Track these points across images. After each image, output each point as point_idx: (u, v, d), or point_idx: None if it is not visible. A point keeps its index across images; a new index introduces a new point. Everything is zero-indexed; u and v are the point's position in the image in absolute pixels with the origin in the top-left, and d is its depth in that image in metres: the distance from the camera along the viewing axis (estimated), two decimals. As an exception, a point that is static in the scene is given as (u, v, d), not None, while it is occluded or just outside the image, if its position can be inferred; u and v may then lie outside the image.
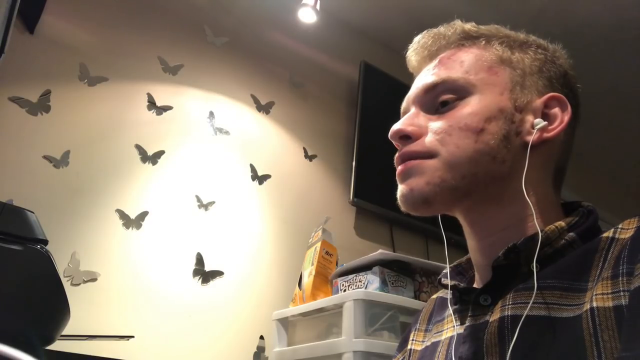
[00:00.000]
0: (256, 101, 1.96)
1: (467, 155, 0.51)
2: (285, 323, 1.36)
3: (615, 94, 2.70)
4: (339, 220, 1.97)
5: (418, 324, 0.66)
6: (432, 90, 0.56)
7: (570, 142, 0.57)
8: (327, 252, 1.37)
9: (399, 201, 0.55)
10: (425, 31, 0.61)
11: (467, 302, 0.52)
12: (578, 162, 3.08)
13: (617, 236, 0.45)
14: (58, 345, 0.96)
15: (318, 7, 1.96)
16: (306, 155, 2.02)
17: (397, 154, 0.56)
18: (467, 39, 0.58)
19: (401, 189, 0.54)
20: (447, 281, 0.57)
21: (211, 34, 1.93)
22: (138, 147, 1.62)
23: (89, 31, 1.66)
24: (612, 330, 0.38)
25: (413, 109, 0.57)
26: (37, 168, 1.43)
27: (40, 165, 1.43)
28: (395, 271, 1.20)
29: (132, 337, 1.33)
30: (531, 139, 0.51)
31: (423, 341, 0.62)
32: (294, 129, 2.03)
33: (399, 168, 0.55)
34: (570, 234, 0.49)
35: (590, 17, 2.21)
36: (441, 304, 0.62)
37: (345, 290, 1.24)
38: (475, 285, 0.57)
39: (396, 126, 0.56)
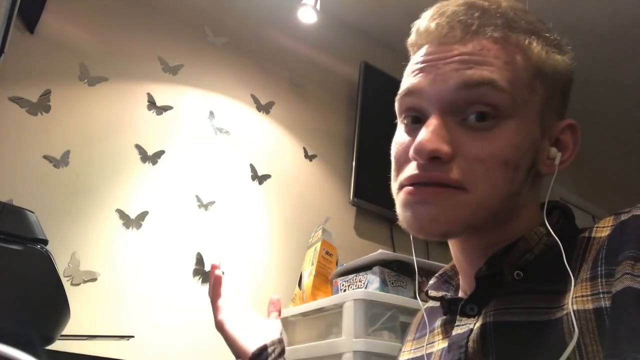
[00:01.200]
0: (256, 101, 1.96)
1: (500, 196, 0.45)
2: (285, 323, 1.36)
3: (616, 94, 2.70)
4: (339, 220, 1.97)
5: (408, 336, 0.65)
6: (470, 89, 0.45)
7: None
8: (327, 252, 1.37)
9: (406, 223, 0.47)
10: None
11: (455, 312, 0.51)
12: (578, 162, 3.08)
13: (593, 235, 0.45)
14: (58, 345, 0.96)
15: (318, 7, 1.96)
16: (306, 155, 2.02)
17: (414, 174, 0.46)
18: (507, 29, 0.47)
19: (420, 215, 0.46)
20: (434, 293, 0.55)
21: (211, 34, 1.93)
22: (138, 147, 1.62)
23: (89, 31, 1.66)
24: (593, 333, 0.38)
25: (437, 116, 0.46)
26: (37, 168, 1.43)
27: (40, 165, 1.43)
28: (395, 271, 1.20)
29: (132, 337, 1.34)
30: (546, 170, 0.49)
31: (411, 350, 0.61)
32: (294, 129, 2.03)
33: (424, 190, 0.46)
34: (550, 237, 0.47)
35: (590, 17, 2.20)
36: (431, 313, 0.61)
37: (345, 290, 1.24)
38: (461, 292, 0.56)
39: (428, 143, 0.44)
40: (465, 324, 0.49)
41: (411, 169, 0.47)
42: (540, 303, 0.44)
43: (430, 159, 0.45)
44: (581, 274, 0.43)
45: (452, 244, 0.55)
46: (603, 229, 0.45)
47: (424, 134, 0.45)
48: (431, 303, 0.65)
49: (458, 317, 0.50)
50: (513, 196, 0.47)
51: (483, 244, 0.50)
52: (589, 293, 0.40)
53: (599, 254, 0.42)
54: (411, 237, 0.55)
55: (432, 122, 0.46)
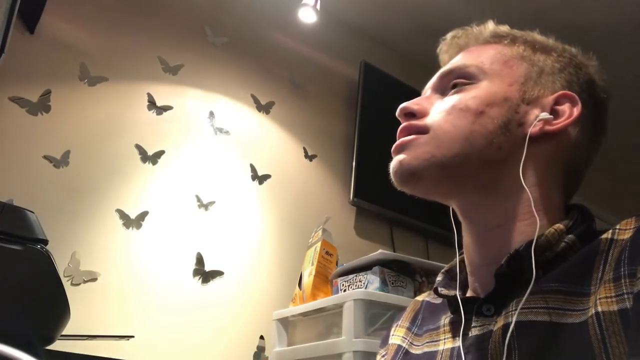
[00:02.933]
0: (256, 101, 1.96)
1: (461, 133, 0.51)
2: (285, 323, 1.36)
3: (616, 93, 2.69)
4: (339, 220, 1.97)
5: (400, 321, 0.65)
6: (447, 75, 0.57)
7: (585, 147, 0.55)
8: (327, 252, 1.37)
9: (391, 177, 0.55)
10: (457, 28, 0.63)
11: (468, 312, 0.50)
12: (578, 162, 3.08)
13: (615, 237, 0.45)
14: (58, 345, 0.96)
15: (318, 7, 1.96)
16: (306, 155, 2.03)
17: (399, 129, 0.57)
18: (494, 37, 0.59)
19: (393, 164, 0.55)
20: (445, 291, 0.55)
21: (211, 34, 1.93)
22: (138, 147, 1.62)
23: (89, 31, 1.66)
24: (619, 335, 0.38)
25: (428, 93, 0.59)
26: (37, 168, 1.43)
27: (40, 165, 1.43)
28: (395, 271, 1.20)
29: (132, 337, 1.33)
30: (532, 129, 0.51)
31: (407, 340, 0.60)
32: (294, 129, 2.03)
33: (397, 144, 0.55)
34: (570, 236, 0.48)
35: (591, 17, 2.21)
36: (431, 309, 0.61)
37: (345, 290, 1.24)
38: (470, 290, 0.55)
39: (403, 104, 0.57)
40: (483, 325, 0.48)
41: None
42: (563, 304, 0.43)
43: (405, 114, 0.57)
44: (604, 276, 0.42)
45: (463, 230, 0.56)
46: (625, 232, 0.44)
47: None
48: (427, 297, 0.65)
49: (474, 317, 0.49)
50: (483, 143, 0.51)
51: (483, 219, 0.53)
52: (613, 294, 0.40)
53: (622, 255, 0.42)
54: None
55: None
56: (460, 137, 0.51)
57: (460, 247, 0.58)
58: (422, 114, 0.55)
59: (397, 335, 0.62)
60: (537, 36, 0.59)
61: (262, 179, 1.86)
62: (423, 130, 0.54)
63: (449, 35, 0.63)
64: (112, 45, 1.69)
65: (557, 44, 0.59)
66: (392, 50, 2.36)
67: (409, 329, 0.62)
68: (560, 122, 0.52)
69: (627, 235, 0.44)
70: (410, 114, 0.56)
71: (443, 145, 0.51)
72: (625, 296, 0.39)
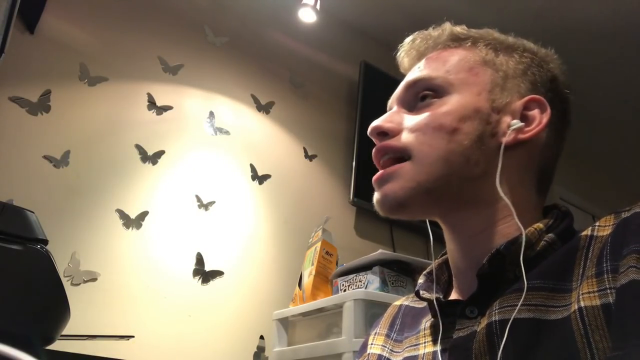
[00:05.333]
0: (256, 101, 1.96)
1: (439, 155, 0.51)
2: (285, 323, 1.36)
3: (616, 93, 2.70)
4: (339, 220, 1.97)
5: (378, 328, 0.64)
6: (412, 87, 0.57)
7: (555, 145, 0.56)
8: (327, 252, 1.37)
9: (375, 207, 0.55)
10: (416, 32, 0.62)
11: (451, 314, 0.51)
12: (578, 162, 3.08)
13: (595, 234, 0.45)
14: (58, 345, 0.96)
15: (318, 7, 1.96)
16: (306, 155, 2.02)
17: (374, 150, 0.56)
18: (454, 41, 0.58)
19: (376, 195, 0.55)
20: (427, 294, 0.54)
21: (211, 34, 1.93)
22: (138, 147, 1.62)
23: (89, 31, 1.66)
24: (603, 330, 0.38)
25: (395, 107, 0.58)
26: (37, 168, 1.43)
27: (40, 165, 1.43)
28: (395, 271, 1.20)
29: (132, 337, 1.34)
30: (505, 139, 0.51)
31: (386, 347, 0.60)
32: (294, 129, 2.03)
33: (376, 176, 0.55)
34: (550, 234, 0.49)
35: (590, 17, 2.21)
36: (410, 314, 0.60)
37: (345, 290, 1.24)
38: (454, 293, 0.55)
39: (374, 123, 0.57)
40: (467, 327, 0.48)
41: None
42: (546, 300, 0.44)
43: (378, 134, 0.57)
44: (586, 271, 0.43)
45: (445, 235, 0.56)
46: (605, 228, 0.45)
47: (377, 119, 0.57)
48: (405, 301, 0.64)
49: (458, 320, 0.49)
50: (461, 161, 0.51)
51: (467, 227, 0.53)
52: (595, 289, 0.41)
53: (603, 250, 0.42)
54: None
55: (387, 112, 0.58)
56: (439, 158, 0.51)
57: (441, 247, 0.59)
58: (395, 133, 0.55)
59: (377, 345, 0.62)
60: (496, 34, 0.59)
61: (262, 179, 1.86)
62: (401, 151, 0.53)
63: (406, 41, 0.62)
64: (112, 45, 1.69)
65: (517, 41, 0.58)
66: (392, 50, 2.35)
67: (387, 335, 0.62)
68: (532, 130, 0.52)
69: (606, 231, 0.44)
70: (383, 134, 0.56)
71: (424, 170, 0.51)
72: (608, 291, 0.40)
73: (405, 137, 0.54)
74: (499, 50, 0.57)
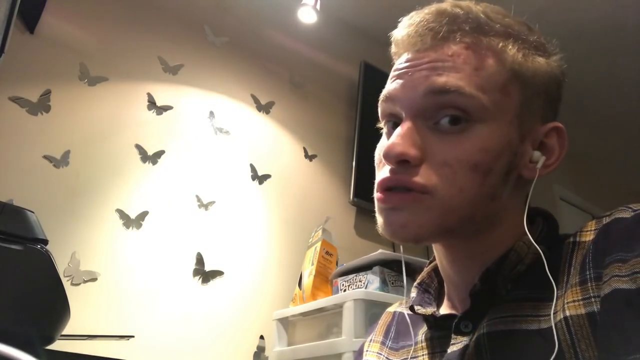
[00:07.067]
0: (256, 101, 1.96)
1: (469, 199, 0.45)
2: (285, 323, 1.36)
3: (616, 93, 2.70)
4: (339, 220, 1.97)
5: (373, 335, 0.64)
6: (437, 96, 0.46)
7: None
8: (327, 252, 1.37)
9: (381, 228, 0.48)
10: (426, 7, 0.50)
11: (447, 328, 0.50)
12: (578, 162, 3.08)
13: (578, 239, 0.45)
14: (58, 345, 0.96)
15: (318, 7, 1.96)
16: (306, 155, 2.02)
17: (384, 177, 0.47)
18: (479, 33, 0.47)
19: (391, 221, 0.47)
20: (422, 310, 0.53)
21: (211, 34, 1.93)
22: (138, 147, 1.62)
23: (89, 31, 1.66)
24: (588, 339, 0.38)
25: (408, 121, 0.47)
26: (37, 168, 1.43)
27: (40, 165, 1.43)
28: (395, 271, 1.20)
29: (132, 337, 1.34)
30: (528, 174, 0.47)
31: (382, 355, 0.59)
32: (294, 129, 2.03)
33: (392, 196, 0.46)
34: (540, 246, 0.47)
35: (591, 17, 2.21)
36: (404, 321, 0.59)
37: (345, 290, 1.24)
38: (446, 302, 0.55)
39: (396, 147, 0.45)
40: (461, 341, 0.48)
41: (384, 172, 0.48)
42: (532, 311, 0.44)
43: (399, 162, 0.46)
44: (570, 279, 0.43)
45: (437, 252, 0.54)
46: (587, 233, 0.45)
47: (394, 137, 0.46)
48: (398, 308, 0.64)
49: (453, 334, 0.49)
50: (487, 201, 0.46)
51: (468, 251, 0.50)
52: (580, 298, 0.41)
53: (586, 257, 0.42)
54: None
55: (404, 127, 0.47)
56: (467, 202, 0.45)
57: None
58: (420, 161, 0.45)
59: (372, 352, 0.61)
60: (524, 28, 0.50)
61: (262, 179, 1.86)
62: (421, 190, 0.45)
63: (416, 17, 0.49)
64: (112, 45, 1.69)
65: (542, 40, 0.50)
66: (392, 50, 2.35)
67: (383, 343, 0.61)
68: (552, 164, 0.48)
69: (589, 237, 0.44)
70: (405, 161, 0.45)
71: (449, 213, 0.45)
72: (593, 299, 0.40)
73: (430, 174, 0.45)
74: (527, 56, 0.48)
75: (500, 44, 0.47)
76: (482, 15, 0.48)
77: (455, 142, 0.45)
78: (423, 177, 0.45)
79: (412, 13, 0.50)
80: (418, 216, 0.45)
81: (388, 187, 0.47)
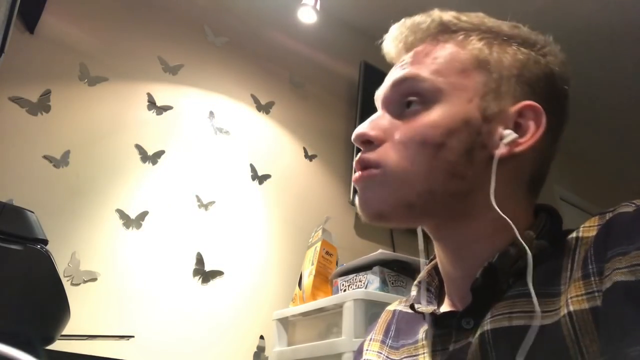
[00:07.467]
0: (256, 101, 1.96)
1: (421, 172, 0.47)
2: (285, 323, 1.36)
3: (616, 93, 2.70)
4: (339, 220, 1.97)
5: (373, 334, 0.64)
6: (398, 86, 0.52)
7: (550, 148, 0.52)
8: (327, 252, 1.37)
9: (357, 210, 0.52)
10: (402, 20, 0.57)
11: (447, 326, 0.50)
12: (579, 162, 3.08)
13: (581, 235, 0.45)
14: (58, 345, 0.96)
15: (318, 7, 1.96)
16: (306, 155, 2.02)
17: (355, 159, 0.52)
18: (444, 32, 0.53)
19: (358, 200, 0.52)
20: (423, 308, 0.53)
21: (211, 34, 1.93)
22: (138, 147, 1.62)
23: (89, 31, 1.66)
24: (592, 334, 0.38)
25: (380, 110, 0.54)
26: (37, 168, 1.43)
27: (40, 165, 1.43)
28: (395, 271, 1.20)
29: (132, 337, 1.34)
30: (498, 153, 0.47)
31: (382, 354, 0.59)
32: (294, 129, 2.03)
33: (355, 176, 0.51)
34: (540, 241, 0.47)
35: (591, 17, 2.21)
36: (406, 320, 0.59)
37: (345, 290, 1.24)
38: (448, 302, 0.55)
39: (359, 129, 0.52)
40: (463, 338, 0.48)
41: None
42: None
43: (362, 142, 0.52)
44: (573, 274, 0.43)
45: (435, 249, 0.55)
46: (590, 229, 0.45)
47: (362, 123, 0.53)
48: (398, 306, 0.64)
49: (454, 331, 0.49)
50: (447, 177, 0.47)
51: (456, 239, 0.51)
52: (583, 292, 0.41)
53: (588, 252, 0.43)
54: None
55: (374, 115, 0.54)
56: (420, 175, 0.47)
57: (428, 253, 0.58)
58: (380, 142, 0.50)
59: (372, 351, 0.61)
60: (490, 22, 0.53)
61: (262, 179, 1.86)
62: (374, 166, 0.49)
63: (391, 31, 0.57)
64: (112, 45, 1.69)
65: (513, 30, 0.53)
66: (392, 50, 2.36)
67: (383, 342, 0.61)
68: (526, 142, 0.48)
69: (591, 233, 0.44)
70: (368, 142, 0.51)
71: (404, 186, 0.48)
72: (596, 294, 0.40)
73: (386, 150, 0.50)
74: (493, 45, 0.51)
75: (462, 36, 0.52)
76: (452, 18, 0.54)
77: (411, 122, 0.50)
78: (378, 153, 0.50)
79: (392, 27, 0.58)
80: (375, 191, 0.50)
81: (356, 169, 0.52)
